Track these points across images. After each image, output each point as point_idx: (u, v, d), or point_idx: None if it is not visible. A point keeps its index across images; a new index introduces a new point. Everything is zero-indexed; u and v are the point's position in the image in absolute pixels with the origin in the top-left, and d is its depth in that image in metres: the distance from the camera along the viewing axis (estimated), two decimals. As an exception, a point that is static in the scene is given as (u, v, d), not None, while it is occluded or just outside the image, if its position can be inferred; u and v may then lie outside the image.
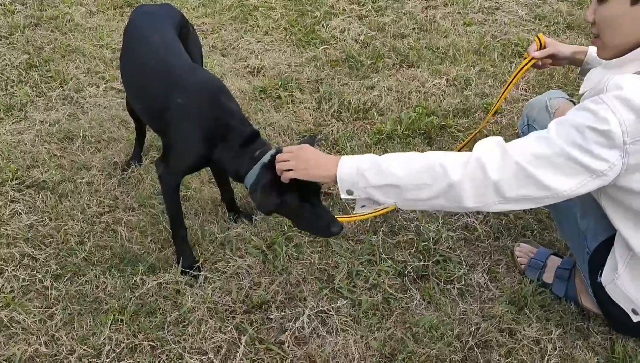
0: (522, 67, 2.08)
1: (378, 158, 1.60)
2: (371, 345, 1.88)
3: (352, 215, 2.11)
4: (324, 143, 2.73)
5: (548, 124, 1.53)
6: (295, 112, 2.94)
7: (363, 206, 1.66)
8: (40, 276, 2.07)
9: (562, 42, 3.43)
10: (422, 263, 2.15)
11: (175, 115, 1.92)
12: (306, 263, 2.15)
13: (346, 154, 2.65)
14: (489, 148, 1.51)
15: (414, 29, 3.69)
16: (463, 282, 2.09)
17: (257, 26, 3.72)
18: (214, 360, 1.83)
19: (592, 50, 1.89)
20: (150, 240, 2.23)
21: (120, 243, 2.21)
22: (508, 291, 2.05)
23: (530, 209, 2.33)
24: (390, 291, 2.05)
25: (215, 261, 2.15)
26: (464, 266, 2.14)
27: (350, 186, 1.60)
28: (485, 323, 1.93)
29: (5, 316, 1.93)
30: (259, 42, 3.56)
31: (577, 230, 1.86)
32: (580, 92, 1.70)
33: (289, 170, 1.68)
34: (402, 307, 2.00)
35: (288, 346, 1.87)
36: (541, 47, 2.05)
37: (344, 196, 1.62)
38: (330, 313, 1.97)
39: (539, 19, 3.80)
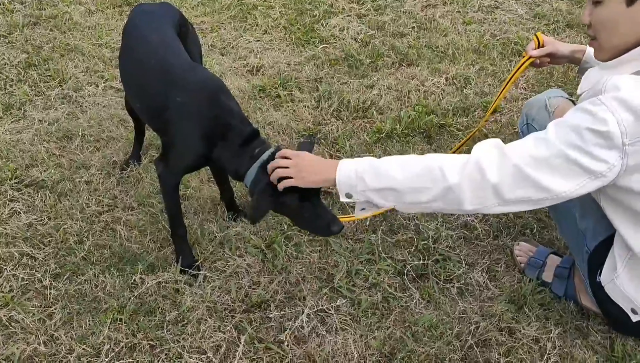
0: (520, 66, 2.08)
1: (376, 161, 1.60)
2: (371, 344, 1.88)
3: (351, 215, 2.11)
4: (323, 142, 2.73)
5: (547, 123, 1.53)
6: (294, 111, 2.94)
7: (363, 209, 1.66)
8: (39, 275, 2.07)
9: (562, 40, 3.44)
10: (421, 262, 2.15)
11: (174, 114, 1.92)
12: (305, 262, 2.15)
13: (345, 153, 2.66)
14: (487, 150, 1.51)
15: (413, 27, 3.68)
16: (462, 281, 2.09)
17: (257, 25, 3.71)
18: (213, 360, 1.83)
19: (591, 49, 1.90)
20: (150, 239, 2.23)
21: (119, 242, 2.21)
22: (507, 290, 2.05)
23: (530, 208, 2.33)
24: (390, 290, 2.05)
25: (215, 260, 2.15)
26: (464, 265, 2.14)
27: (349, 189, 1.60)
28: (485, 322, 1.93)
29: (4, 315, 1.92)
30: (258, 41, 3.56)
31: (576, 229, 1.86)
32: (578, 92, 1.70)
33: (287, 177, 1.67)
34: (401, 306, 2.00)
35: (287, 345, 1.87)
36: (539, 45, 2.05)
37: (343, 199, 1.62)
38: (330, 312, 1.97)
39: (538, 18, 3.80)
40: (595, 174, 1.44)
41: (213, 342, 1.87)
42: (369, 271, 2.10)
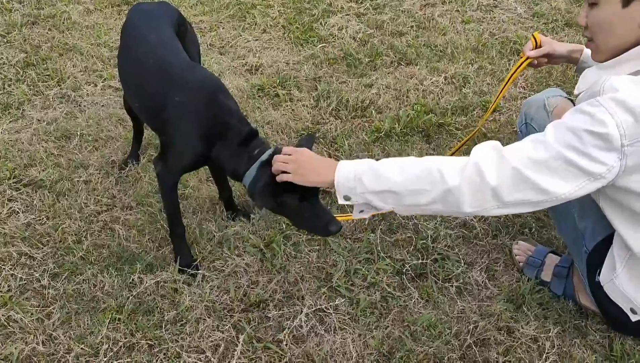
0: (518, 67, 2.08)
1: (375, 163, 1.59)
2: (369, 343, 1.88)
3: (349, 214, 2.11)
4: (322, 141, 2.73)
5: (546, 122, 1.53)
6: (293, 110, 2.94)
7: (361, 211, 1.66)
8: (37, 275, 2.07)
9: (561, 39, 3.44)
10: (420, 261, 2.15)
11: (173, 113, 1.92)
12: (304, 261, 2.15)
13: (344, 152, 2.65)
14: (486, 152, 1.50)
15: (412, 26, 3.68)
16: (461, 280, 2.09)
17: (255, 24, 3.71)
18: (212, 359, 1.83)
19: (588, 49, 1.90)
20: (148, 239, 2.23)
21: (117, 241, 2.21)
22: (506, 290, 2.04)
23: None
24: (389, 289, 2.04)
25: (213, 260, 2.15)
26: (462, 265, 2.14)
27: (348, 191, 1.59)
28: (484, 321, 1.93)
29: (2, 315, 1.92)
30: (257, 40, 3.55)
31: (575, 229, 1.85)
32: (576, 92, 1.70)
33: (286, 172, 1.68)
34: (400, 305, 2.00)
35: (286, 345, 1.87)
36: (537, 46, 2.05)
37: (341, 201, 1.62)
38: (328, 311, 1.97)
39: (537, 17, 3.80)
40: (594, 176, 1.44)
41: (211, 341, 1.87)
42: (368, 271, 2.10)
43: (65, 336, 1.87)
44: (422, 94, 3.07)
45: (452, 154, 2.44)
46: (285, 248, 2.18)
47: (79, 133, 2.73)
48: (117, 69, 2.37)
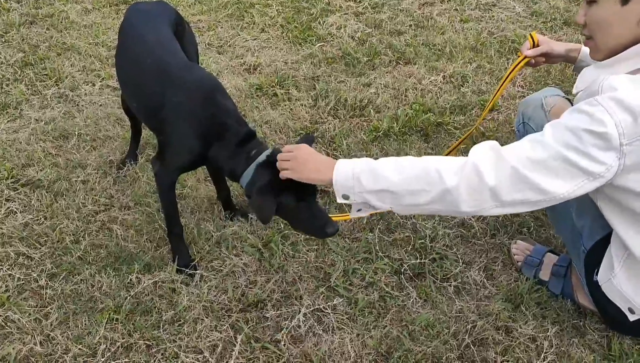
0: (516, 66, 2.08)
1: (374, 162, 1.59)
2: (367, 343, 1.88)
3: (345, 214, 2.11)
4: (321, 141, 2.72)
5: (543, 122, 1.53)
6: (291, 109, 2.93)
7: (359, 210, 1.66)
8: (35, 275, 2.07)
9: (559, 38, 3.44)
10: (418, 260, 2.14)
11: (171, 113, 1.91)
12: (302, 261, 2.14)
13: (342, 151, 2.65)
14: (484, 152, 1.50)
15: (410, 25, 3.68)
16: (459, 280, 2.08)
17: (254, 23, 3.71)
18: (210, 359, 1.82)
19: (586, 47, 1.89)
20: (146, 239, 2.22)
21: (115, 241, 2.20)
22: (504, 289, 2.04)
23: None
24: (387, 289, 2.04)
25: (211, 260, 2.14)
26: (461, 264, 2.14)
27: (346, 190, 1.59)
28: (482, 320, 1.93)
29: (0, 315, 1.92)
30: (255, 39, 3.55)
31: (573, 229, 1.85)
32: (574, 91, 1.70)
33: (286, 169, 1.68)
34: (398, 305, 2.00)
35: (284, 345, 1.87)
36: (534, 45, 2.05)
37: (340, 200, 1.61)
38: (327, 311, 1.97)
39: (535, 16, 3.79)
40: (593, 176, 1.44)
41: (209, 341, 1.87)
42: (366, 270, 2.10)
43: (62, 336, 1.87)
44: (421, 93, 3.06)
45: (448, 153, 2.43)
46: (284, 248, 2.17)
47: (76, 133, 2.73)
48: (114, 68, 2.36)
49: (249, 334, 1.89)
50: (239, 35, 3.59)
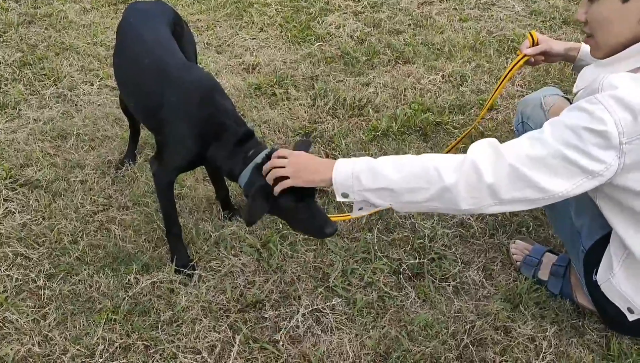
0: (515, 65, 2.07)
1: (373, 160, 1.59)
2: (366, 343, 1.87)
3: (345, 214, 2.10)
4: (319, 140, 2.72)
5: (542, 121, 1.52)
6: (290, 109, 2.93)
7: (360, 208, 1.65)
8: (33, 275, 2.06)
9: (558, 37, 3.43)
10: (417, 260, 2.14)
11: (169, 113, 1.91)
12: (301, 261, 2.14)
13: (341, 151, 2.65)
14: (483, 149, 1.50)
15: (409, 25, 3.67)
16: (458, 280, 2.08)
17: (252, 23, 3.70)
18: (208, 360, 1.82)
19: (585, 46, 1.89)
20: (144, 239, 2.22)
21: (113, 242, 2.20)
22: (503, 289, 2.04)
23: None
24: (385, 289, 2.04)
25: (210, 260, 2.14)
26: (459, 264, 2.13)
27: (346, 189, 1.59)
28: (481, 320, 1.93)
29: (-2, 316, 1.92)
30: (254, 38, 3.55)
31: (572, 228, 1.85)
32: (574, 90, 1.69)
33: (282, 178, 1.66)
34: (397, 305, 1.99)
35: (282, 345, 1.86)
36: (534, 44, 2.04)
37: (339, 199, 1.61)
38: (325, 311, 1.97)
39: (535, 15, 3.79)
40: (592, 174, 1.43)
41: (208, 342, 1.87)
42: (365, 270, 2.10)
43: (61, 337, 1.86)
44: (420, 92, 3.06)
45: (447, 152, 2.43)
46: (282, 248, 2.17)
47: (75, 133, 2.72)
48: (113, 68, 2.36)
49: (247, 334, 1.89)
50: (238, 34, 3.58)
